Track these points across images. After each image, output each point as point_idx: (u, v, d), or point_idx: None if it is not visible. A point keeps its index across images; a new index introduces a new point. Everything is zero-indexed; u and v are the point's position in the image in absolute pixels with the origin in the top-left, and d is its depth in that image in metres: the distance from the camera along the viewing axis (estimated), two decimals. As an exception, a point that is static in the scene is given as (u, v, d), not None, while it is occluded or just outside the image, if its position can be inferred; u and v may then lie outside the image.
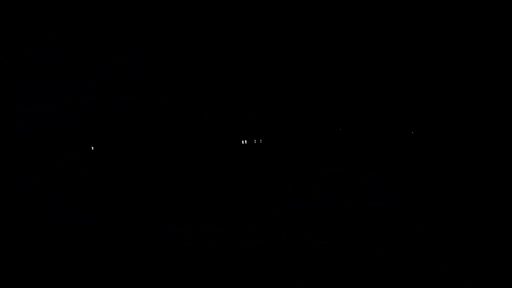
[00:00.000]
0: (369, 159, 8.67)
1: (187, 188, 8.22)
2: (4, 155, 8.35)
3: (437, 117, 8.48)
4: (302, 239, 5.31)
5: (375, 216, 6.40)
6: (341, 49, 8.63)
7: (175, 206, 7.26)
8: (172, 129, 8.76)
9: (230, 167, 8.82)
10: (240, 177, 8.62)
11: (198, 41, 8.57)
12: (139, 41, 8.50)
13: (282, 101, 8.80)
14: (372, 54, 8.59)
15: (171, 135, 8.77)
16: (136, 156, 8.71)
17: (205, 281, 3.99)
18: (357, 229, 5.76)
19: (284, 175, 8.55)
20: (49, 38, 8.34)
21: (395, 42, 8.48)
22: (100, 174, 8.53)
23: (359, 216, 6.42)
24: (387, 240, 5.19)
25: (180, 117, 8.75)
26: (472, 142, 8.26)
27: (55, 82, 8.51)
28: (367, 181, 8.15)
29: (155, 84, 8.67)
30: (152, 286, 3.90)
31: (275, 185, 8.22)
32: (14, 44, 8.30)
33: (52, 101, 8.53)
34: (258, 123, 8.86)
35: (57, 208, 7.08)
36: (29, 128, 8.45)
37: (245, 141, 8.91)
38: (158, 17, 8.41)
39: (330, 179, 8.36)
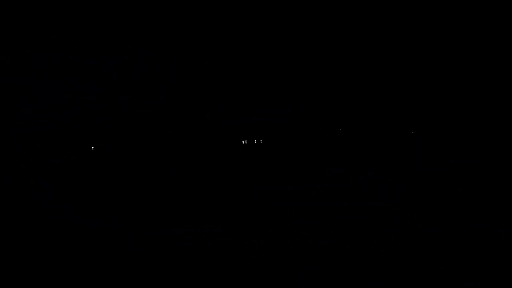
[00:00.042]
0: (369, 159, 8.67)
1: (187, 188, 8.22)
2: (4, 155, 8.35)
3: (437, 117, 8.48)
4: (302, 239, 5.32)
5: (375, 216, 6.40)
6: (341, 49, 8.63)
7: (175, 206, 7.26)
8: (172, 129, 8.76)
9: (230, 167, 8.82)
10: (240, 177, 8.62)
11: (198, 41, 8.57)
12: (139, 41, 8.50)
13: (282, 101, 8.80)
14: (372, 54, 8.59)
15: (171, 135, 8.77)
16: (136, 156, 8.71)
17: (205, 281, 3.99)
18: (357, 229, 5.76)
19: (284, 175, 8.55)
20: (49, 38, 8.34)
21: (395, 42, 8.48)
22: (100, 174, 8.53)
23: (359, 216, 6.43)
24: (387, 240, 5.19)
25: (180, 117, 8.75)
26: (472, 142, 8.25)
27: (55, 82, 8.52)
28: (367, 181, 8.15)
29: (155, 84, 8.67)
30: (152, 286, 3.90)
31: (275, 185, 8.22)
32: (14, 44, 8.30)
33: (52, 101, 8.53)
34: (258, 123, 8.86)
35: (57, 208, 7.08)
36: (29, 128, 8.45)
37: (245, 141, 8.92)
38: (158, 17, 8.41)
39: (330, 179, 8.36)
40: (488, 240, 5.07)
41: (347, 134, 8.87)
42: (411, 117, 8.63)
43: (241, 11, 8.42)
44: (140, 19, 8.39)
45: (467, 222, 5.86)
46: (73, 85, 8.58)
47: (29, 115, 8.47)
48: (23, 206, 7.16)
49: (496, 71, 8.15)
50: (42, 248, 5.00)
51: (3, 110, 8.39)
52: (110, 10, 8.29)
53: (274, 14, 8.44)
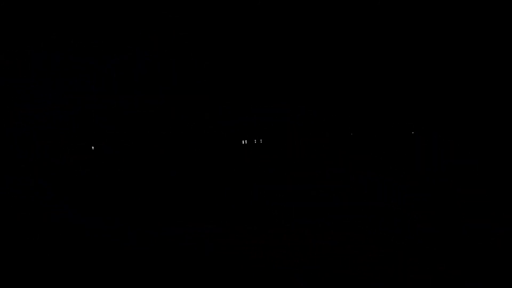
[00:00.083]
0: (369, 159, 8.67)
1: (187, 188, 8.22)
2: (4, 155, 8.35)
3: (437, 117, 8.48)
4: (302, 239, 5.32)
5: (375, 216, 6.40)
6: (341, 49, 8.63)
7: (175, 206, 7.26)
8: (172, 129, 8.76)
9: (230, 167, 8.82)
10: (240, 177, 8.62)
11: (198, 41, 8.57)
12: (139, 41, 8.50)
13: (282, 101, 8.80)
14: (372, 54, 8.59)
15: (171, 135, 8.77)
16: (136, 156, 8.71)
17: (205, 281, 3.99)
18: (357, 229, 5.76)
19: (284, 175, 8.56)
20: (49, 38, 8.34)
21: (395, 42, 8.48)
22: (100, 174, 8.53)
23: (359, 216, 6.43)
24: (387, 240, 5.20)
25: (180, 117, 8.75)
26: (472, 142, 8.26)
27: (55, 82, 8.52)
28: (367, 181, 8.15)
29: (155, 84, 8.67)
30: (152, 286, 3.90)
31: (275, 185, 8.22)
32: (14, 44, 8.30)
33: (52, 101, 8.53)
34: (258, 123, 8.86)
35: (57, 208, 7.08)
36: (29, 128, 8.45)
37: (245, 141, 8.92)
38: (158, 17, 8.41)
39: (330, 179, 8.37)
40: (488, 240, 5.07)
41: (347, 134, 8.87)
42: (411, 117, 8.63)
43: (241, 11, 8.42)
44: (140, 19, 8.39)
45: (467, 222, 5.86)
46: (73, 85, 8.58)
47: (29, 115, 8.47)
48: (23, 206, 7.16)
49: (496, 71, 8.15)
50: (42, 248, 5.00)
51: (3, 110, 8.39)
52: (110, 10, 8.29)
53: (274, 14, 8.44)
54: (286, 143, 8.84)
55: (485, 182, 7.79)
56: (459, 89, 8.38)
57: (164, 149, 8.76)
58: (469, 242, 5.04)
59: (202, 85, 8.71)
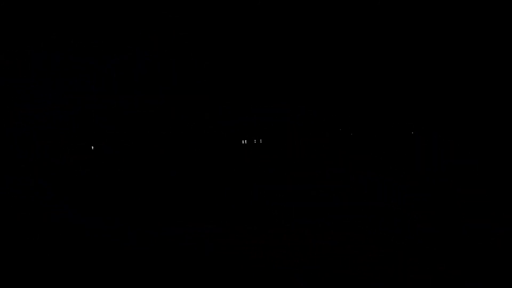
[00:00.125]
0: (369, 159, 8.67)
1: (187, 188, 8.22)
2: (4, 155, 8.35)
3: (437, 117, 8.48)
4: (302, 239, 5.31)
5: (375, 216, 6.40)
6: (341, 49, 8.63)
7: (175, 206, 7.26)
8: (172, 129, 8.76)
9: (230, 167, 8.82)
10: (240, 177, 8.62)
11: (198, 41, 8.57)
12: (139, 41, 8.50)
13: (282, 101, 8.80)
14: (372, 54, 8.59)
15: (171, 135, 8.77)
16: (136, 156, 8.71)
17: (205, 281, 3.99)
18: (357, 229, 5.76)
19: (284, 175, 8.55)
20: (49, 38, 8.34)
21: (395, 42, 8.47)
22: (100, 174, 8.53)
23: (359, 216, 6.42)
24: (387, 240, 5.19)
25: (180, 117, 8.75)
26: (472, 142, 8.26)
27: (55, 82, 8.52)
28: (367, 181, 8.15)
29: (155, 84, 8.67)
30: (152, 286, 3.90)
31: (275, 185, 8.22)
32: (14, 44, 8.30)
33: (52, 101, 8.54)
34: (258, 123, 8.86)
35: (57, 208, 7.08)
36: (29, 128, 8.45)
37: (245, 141, 8.92)
38: (158, 17, 8.41)
39: (330, 179, 8.37)
40: (488, 240, 5.07)
41: (347, 134, 8.87)
42: (411, 117, 8.63)
43: (241, 11, 8.42)
44: (140, 19, 8.39)
45: (467, 222, 5.86)
46: (73, 85, 8.58)
47: (29, 115, 8.47)
48: (23, 206, 7.16)
49: (496, 71, 8.15)
50: (42, 248, 5.00)
51: (3, 110, 8.39)
52: (110, 10, 8.29)
53: (274, 14, 8.44)
54: (286, 143, 8.85)
55: (485, 182, 7.79)
56: (459, 89, 8.38)
57: (164, 149, 8.76)
58: (469, 242, 5.04)
59: (202, 85, 8.71)
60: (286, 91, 8.77)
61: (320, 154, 8.78)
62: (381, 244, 5.07)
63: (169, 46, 8.55)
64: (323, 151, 8.79)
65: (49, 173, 8.38)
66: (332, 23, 8.44)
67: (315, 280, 3.97)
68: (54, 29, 8.28)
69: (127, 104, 8.66)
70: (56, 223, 6.21)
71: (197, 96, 8.73)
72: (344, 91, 8.77)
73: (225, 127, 8.84)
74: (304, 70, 8.72)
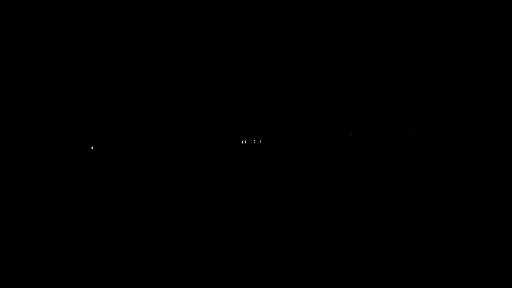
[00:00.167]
0: (369, 159, 8.67)
1: (187, 188, 8.22)
2: (4, 155, 8.35)
3: (437, 117, 8.48)
4: (302, 239, 5.31)
5: (375, 216, 6.40)
6: (341, 49, 8.63)
7: (175, 206, 7.26)
8: (172, 129, 8.76)
9: (230, 167, 8.82)
10: (240, 177, 8.62)
11: (198, 41, 8.57)
12: (139, 41, 8.50)
13: (282, 101, 8.80)
14: (372, 54, 8.59)
15: (171, 135, 8.77)
16: (136, 156, 8.71)
17: (205, 281, 3.99)
18: (357, 229, 5.76)
19: (284, 175, 8.56)
20: (49, 38, 8.34)
21: (395, 42, 8.48)
22: (100, 174, 8.53)
23: (359, 216, 6.43)
24: (387, 240, 5.20)
25: (180, 117, 8.75)
26: (472, 142, 8.26)
27: (55, 82, 8.52)
28: (367, 181, 8.15)
29: (155, 84, 8.67)
30: (152, 286, 3.90)
31: (275, 185, 8.22)
32: (14, 44, 8.30)
33: (52, 101, 8.54)
34: (258, 123, 8.86)
35: (57, 208, 7.08)
36: (29, 128, 8.45)
37: (245, 141, 8.92)
38: (158, 17, 8.41)
39: (330, 179, 8.37)
40: (488, 240, 5.07)
41: (347, 134, 8.87)
42: (411, 117, 8.63)
43: (241, 11, 8.42)
44: (140, 19, 8.39)
45: (467, 222, 5.86)
46: (73, 85, 8.58)
47: (29, 115, 8.47)
48: (23, 206, 7.16)
49: (496, 71, 8.15)
50: (42, 248, 5.00)
51: (3, 110, 8.39)
52: (110, 10, 8.29)
53: (274, 14, 8.44)
54: (286, 143, 8.85)
55: (485, 182, 7.79)
56: (459, 89, 8.38)
57: (164, 149, 8.76)
58: (469, 242, 5.04)
59: (202, 85, 8.72)
60: (286, 91, 8.77)
61: (320, 154, 8.78)
62: (381, 244, 5.07)
63: (169, 46, 8.56)
64: (323, 151, 8.79)
65: (49, 173, 8.38)
66: (332, 23, 8.45)
67: (315, 280, 3.97)
68: (54, 29, 8.29)
69: (127, 104, 8.66)
70: (56, 223, 6.21)
71: (197, 96, 8.73)
72: (344, 91, 8.77)
73: (225, 127, 8.84)
74: (304, 70, 8.73)
